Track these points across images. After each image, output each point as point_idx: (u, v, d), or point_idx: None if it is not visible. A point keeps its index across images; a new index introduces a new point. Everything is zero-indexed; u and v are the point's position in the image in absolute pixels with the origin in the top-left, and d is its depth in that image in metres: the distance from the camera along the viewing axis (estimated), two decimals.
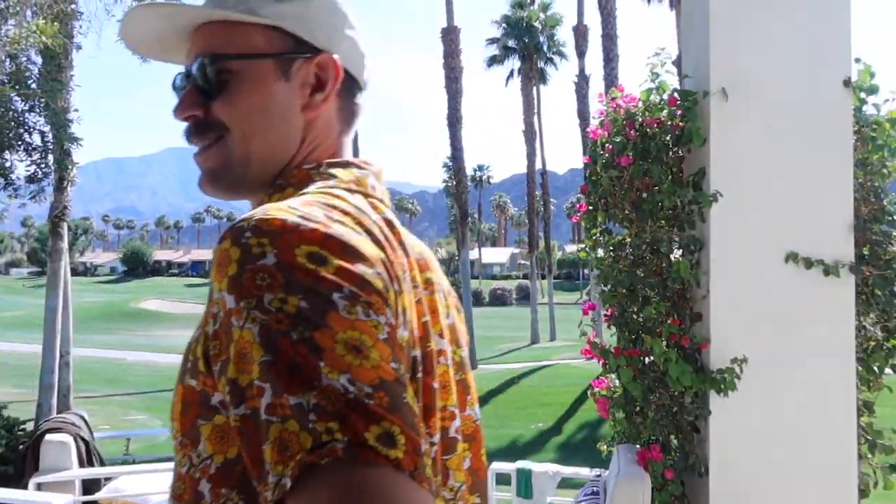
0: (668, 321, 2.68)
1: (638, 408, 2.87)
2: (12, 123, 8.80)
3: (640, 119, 2.68)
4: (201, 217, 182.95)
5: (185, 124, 0.85)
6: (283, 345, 0.58)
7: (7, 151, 9.63)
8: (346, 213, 0.70)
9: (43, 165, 10.13)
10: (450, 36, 18.73)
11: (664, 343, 2.62)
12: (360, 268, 0.63)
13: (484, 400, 13.18)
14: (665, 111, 2.70)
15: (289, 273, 0.60)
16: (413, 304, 0.72)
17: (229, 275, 0.62)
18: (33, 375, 16.75)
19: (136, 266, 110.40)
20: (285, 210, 0.65)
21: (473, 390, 0.86)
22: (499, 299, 71.20)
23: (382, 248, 0.69)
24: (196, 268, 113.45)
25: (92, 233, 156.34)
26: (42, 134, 10.70)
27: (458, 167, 17.87)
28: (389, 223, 0.77)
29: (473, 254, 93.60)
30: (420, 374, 0.70)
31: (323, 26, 0.82)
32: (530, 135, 27.85)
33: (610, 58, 17.70)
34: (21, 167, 10.54)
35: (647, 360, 2.77)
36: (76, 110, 11.15)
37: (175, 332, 37.76)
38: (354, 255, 0.64)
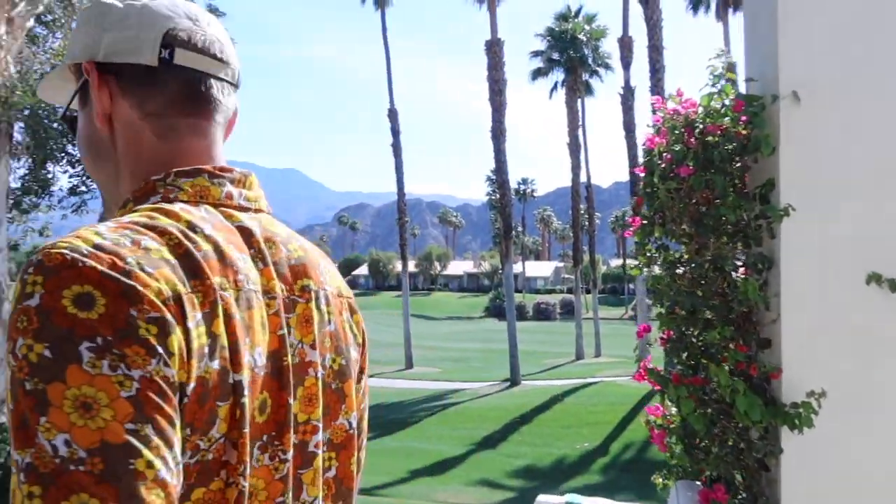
0: (733, 347, 2.44)
1: (699, 441, 2.62)
2: (56, 134, 8.91)
3: (701, 126, 2.46)
4: None
5: None
6: (19, 395, 0.57)
7: (49, 163, 9.72)
8: (164, 233, 0.67)
9: (87, 178, 10.21)
10: (494, 49, 18.64)
11: (729, 371, 2.38)
12: (129, 313, 0.60)
13: (528, 418, 12.89)
14: (728, 117, 2.47)
15: (45, 317, 0.58)
16: (243, 324, 0.70)
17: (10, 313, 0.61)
18: None
19: None
20: (82, 238, 0.63)
21: (352, 400, 0.85)
22: (542, 314, 70.41)
23: (198, 273, 0.67)
24: None
25: None
26: None
27: (501, 180, 17.69)
28: (246, 232, 0.76)
29: (517, 267, 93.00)
30: (244, 398, 0.67)
31: (78, 39, 0.81)
32: (574, 147, 27.50)
33: (656, 69, 17.34)
34: (64, 179, 10.53)
35: (707, 388, 2.54)
36: None
37: None
38: (130, 297, 0.60)
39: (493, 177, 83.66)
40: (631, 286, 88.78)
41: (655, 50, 17.61)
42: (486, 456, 10.70)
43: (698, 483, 2.57)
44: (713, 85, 2.57)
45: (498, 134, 17.79)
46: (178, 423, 0.62)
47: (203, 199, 0.75)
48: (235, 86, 0.88)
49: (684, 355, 2.68)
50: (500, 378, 21.37)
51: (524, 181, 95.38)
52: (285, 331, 0.76)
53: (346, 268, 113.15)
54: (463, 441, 11.75)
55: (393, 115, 26.26)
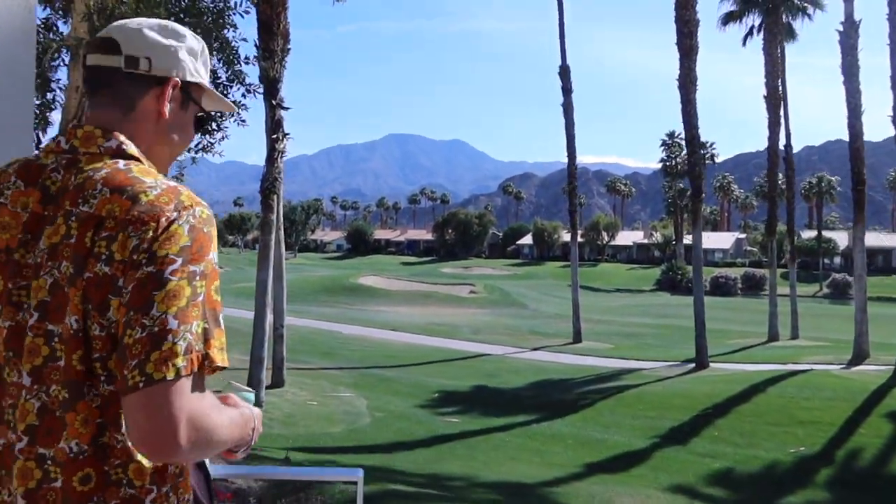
0: None
1: None
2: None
3: None
4: (417, 199, 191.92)
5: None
6: None
7: None
8: None
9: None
10: None
11: None
12: None
13: (723, 409, 11.02)
14: None
15: None
16: None
17: None
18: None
19: (359, 244, 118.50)
20: None
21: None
22: (721, 288, 65.10)
23: None
24: (411, 246, 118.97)
25: (322, 212, 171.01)
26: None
27: (691, 135, 15.47)
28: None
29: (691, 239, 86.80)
30: None
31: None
32: (774, 101, 24.09)
33: None
34: None
35: None
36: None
37: (388, 308, 39.06)
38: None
39: (668, 141, 78.29)
40: (826, 260, 79.92)
41: None
42: (674, 453, 9.10)
43: None
44: None
45: (687, 83, 15.55)
46: None
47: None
48: None
49: None
50: (681, 358, 19.25)
51: (703, 146, 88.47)
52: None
53: (511, 237, 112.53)
54: (645, 432, 10.20)
55: (564, 72, 24.47)
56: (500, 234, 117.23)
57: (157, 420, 0.97)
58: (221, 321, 1.09)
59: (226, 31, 7.94)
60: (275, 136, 10.82)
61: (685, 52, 15.41)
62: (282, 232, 13.52)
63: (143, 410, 0.97)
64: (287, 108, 11.04)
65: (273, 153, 10.85)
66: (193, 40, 1.26)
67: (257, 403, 1.32)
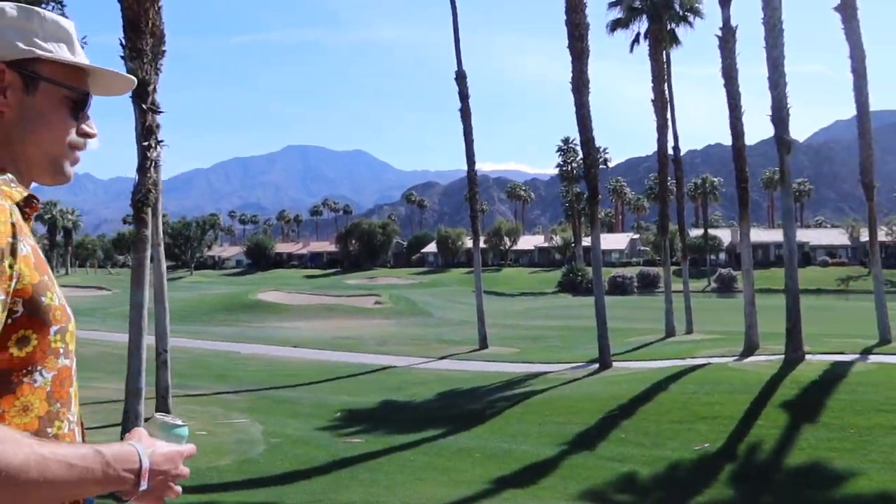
0: None
1: None
2: None
3: None
4: (319, 210, 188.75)
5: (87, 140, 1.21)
6: None
7: None
8: None
9: None
10: None
11: None
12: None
13: (629, 410, 10.97)
14: None
15: None
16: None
17: None
18: (149, 370, 15.94)
19: (259, 258, 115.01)
20: None
21: None
22: (619, 287, 67.57)
23: None
24: (315, 259, 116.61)
25: (219, 228, 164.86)
26: None
27: (586, 137, 15.57)
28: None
29: (591, 241, 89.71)
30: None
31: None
32: (661, 104, 24.92)
33: None
34: None
35: None
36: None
37: (290, 324, 37.71)
38: None
39: (564, 147, 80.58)
40: (713, 257, 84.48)
41: None
42: (582, 459, 8.88)
43: None
44: None
45: (580, 86, 15.65)
46: None
47: None
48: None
49: None
50: (586, 359, 19.41)
51: (597, 149, 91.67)
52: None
53: (415, 246, 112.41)
54: (553, 439, 9.96)
55: (461, 77, 24.36)
56: (405, 244, 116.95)
57: None
58: None
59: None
60: (146, 144, 9.88)
61: (577, 54, 15.53)
62: (161, 248, 12.47)
63: None
64: (160, 112, 10.12)
65: (145, 162, 9.90)
66: (15, 11, 1.10)
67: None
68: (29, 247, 1.02)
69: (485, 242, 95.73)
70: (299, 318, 39.73)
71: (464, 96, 24.30)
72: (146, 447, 1.05)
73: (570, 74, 15.80)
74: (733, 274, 69.30)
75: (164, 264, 12.55)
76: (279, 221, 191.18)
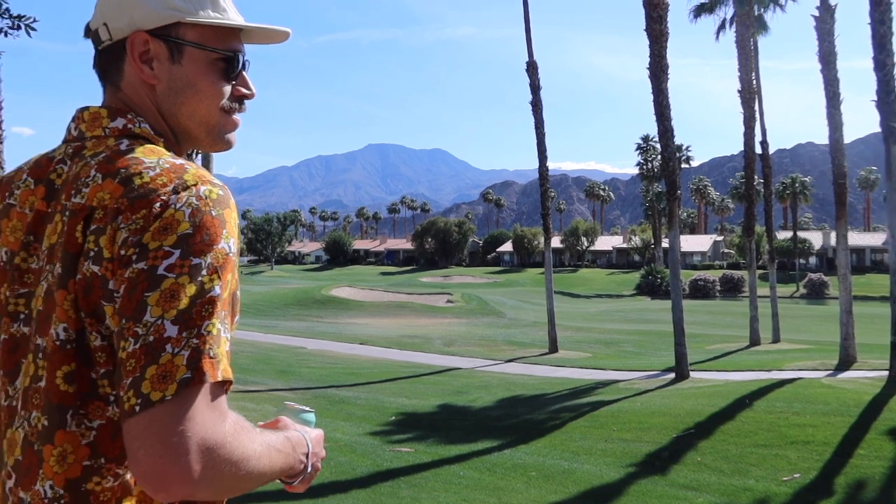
0: None
1: None
2: None
3: None
4: (397, 208, 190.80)
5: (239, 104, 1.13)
6: None
7: None
8: None
9: None
10: None
11: None
12: None
13: (707, 428, 9.85)
14: None
15: None
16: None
17: None
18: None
19: (337, 255, 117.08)
20: None
21: (62, 309, 0.91)
22: (700, 291, 64.73)
23: None
24: (391, 256, 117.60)
25: (300, 224, 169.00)
26: None
27: (664, 127, 14.33)
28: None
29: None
30: None
31: None
32: (748, 96, 23.18)
33: None
34: None
35: None
36: None
37: (360, 320, 37.67)
38: None
39: (643, 144, 78.23)
40: (802, 261, 79.73)
41: None
42: (652, 485, 7.89)
43: None
44: None
45: (658, 71, 14.44)
46: None
47: None
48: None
49: None
50: (661, 367, 18.13)
51: (678, 148, 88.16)
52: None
53: (491, 245, 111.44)
54: (619, 458, 8.99)
55: (532, 67, 23.41)
56: (480, 242, 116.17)
57: (158, 451, 0.80)
58: (228, 326, 0.92)
59: None
60: None
61: (654, 37, 14.33)
62: None
63: (140, 439, 0.81)
64: None
65: None
66: None
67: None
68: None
69: (561, 242, 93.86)
70: (370, 315, 39.68)
71: (535, 87, 23.34)
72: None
73: (649, 59, 14.62)
74: (824, 279, 65.06)
75: None
76: (358, 218, 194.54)
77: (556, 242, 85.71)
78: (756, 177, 24.91)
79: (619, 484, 8.07)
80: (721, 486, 7.81)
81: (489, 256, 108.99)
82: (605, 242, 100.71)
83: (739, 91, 23.00)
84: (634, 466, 8.67)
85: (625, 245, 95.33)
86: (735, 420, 10.03)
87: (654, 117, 15.22)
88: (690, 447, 9.14)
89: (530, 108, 23.43)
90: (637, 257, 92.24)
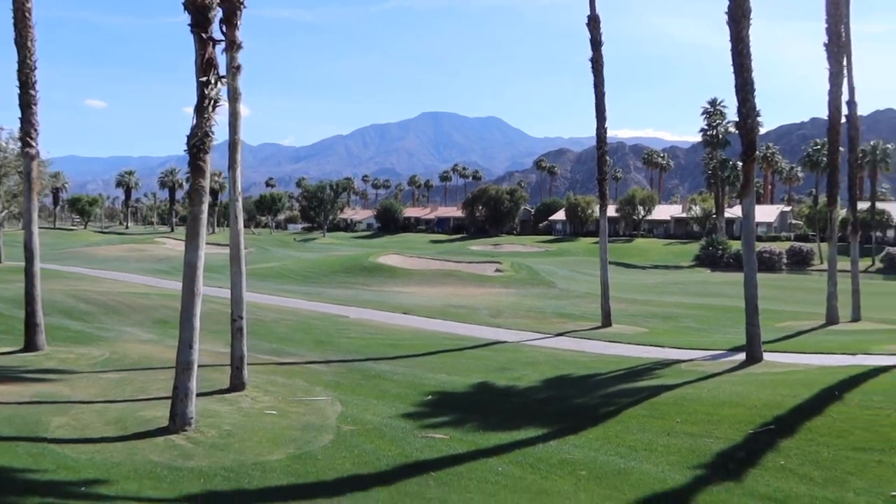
0: None
1: None
2: None
3: None
4: (448, 176, 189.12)
5: None
6: None
7: None
8: None
9: None
10: None
11: None
12: None
13: (790, 424, 8.46)
14: None
15: None
16: None
17: None
18: (227, 336, 15.06)
19: (388, 222, 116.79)
20: None
21: None
22: (765, 263, 61.61)
23: None
24: (441, 224, 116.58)
25: (352, 191, 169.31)
26: None
27: (743, 80, 12.61)
28: None
29: (735, 211, 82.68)
30: None
31: None
32: (835, 49, 20.90)
33: None
34: None
35: None
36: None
37: (406, 289, 36.81)
38: None
39: (710, 108, 74.15)
40: (878, 234, 75.15)
41: None
42: (726, 493, 6.60)
43: None
44: None
45: (738, 16, 12.69)
46: None
47: None
48: None
49: None
50: (727, 346, 16.58)
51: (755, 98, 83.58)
52: None
53: (543, 213, 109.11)
54: (684, 457, 7.70)
55: (593, 22, 21.65)
56: (532, 211, 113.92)
57: None
58: None
59: None
60: (204, 80, 8.47)
61: None
62: (240, 203, 11.24)
63: None
64: (220, 41, 8.67)
65: (203, 101, 8.50)
66: None
67: None
68: None
69: (616, 211, 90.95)
70: (417, 284, 38.78)
71: (596, 43, 21.58)
72: None
73: (728, 2, 12.86)
74: None
75: (241, 222, 11.33)
76: (410, 186, 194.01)
77: (611, 211, 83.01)
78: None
79: (684, 491, 6.80)
80: (811, 498, 6.46)
81: (541, 225, 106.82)
82: (663, 212, 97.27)
83: (826, 44, 20.75)
84: (703, 468, 7.37)
85: (684, 214, 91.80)
86: (824, 415, 8.58)
87: (729, 72, 13.50)
88: (770, 447, 7.77)
89: (590, 65, 21.73)
90: (696, 227, 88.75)
